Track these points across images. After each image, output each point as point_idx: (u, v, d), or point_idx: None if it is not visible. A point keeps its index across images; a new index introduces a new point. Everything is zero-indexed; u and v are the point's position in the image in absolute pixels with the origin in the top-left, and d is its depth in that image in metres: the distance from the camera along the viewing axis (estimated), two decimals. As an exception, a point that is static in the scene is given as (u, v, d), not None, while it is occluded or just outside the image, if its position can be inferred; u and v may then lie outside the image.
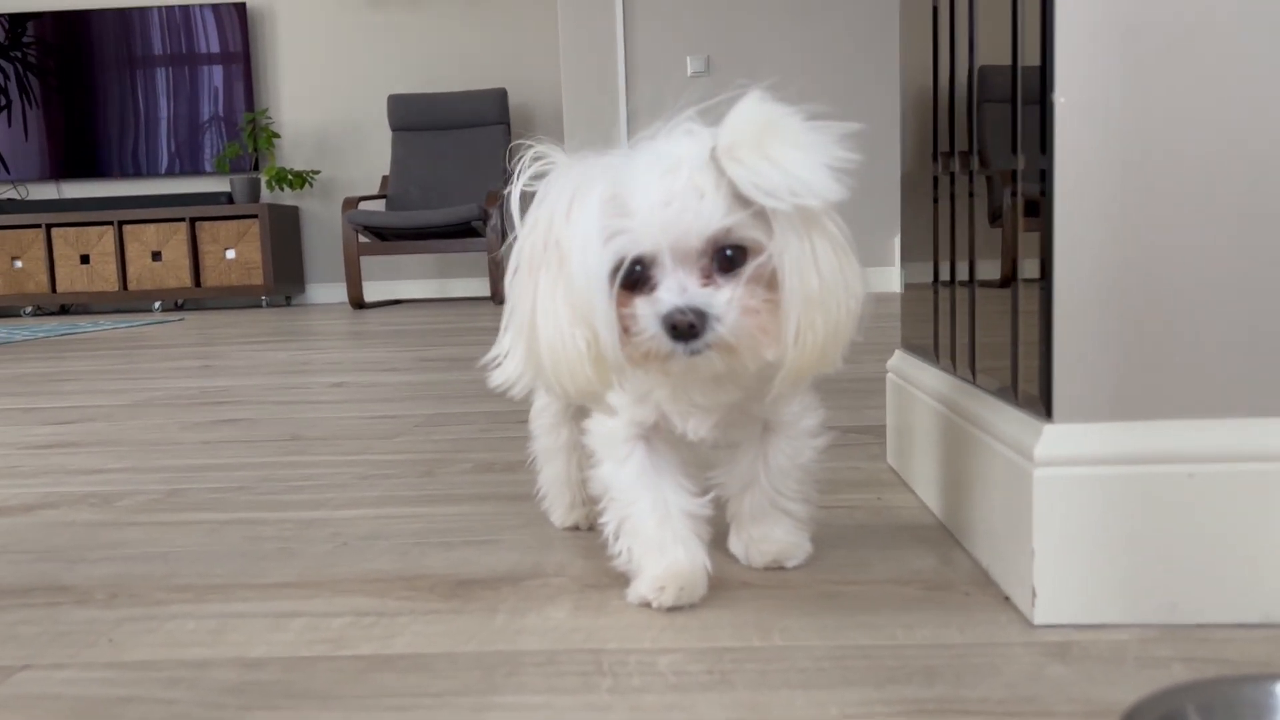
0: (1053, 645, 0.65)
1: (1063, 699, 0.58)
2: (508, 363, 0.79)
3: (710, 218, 0.59)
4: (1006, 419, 0.75)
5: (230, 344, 3.35)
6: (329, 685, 0.63)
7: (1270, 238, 0.65)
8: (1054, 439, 0.68)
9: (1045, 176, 0.67)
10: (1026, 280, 0.72)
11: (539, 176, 0.67)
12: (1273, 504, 0.65)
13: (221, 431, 1.60)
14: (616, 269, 0.60)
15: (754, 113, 0.59)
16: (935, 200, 1.00)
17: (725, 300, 0.61)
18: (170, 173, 6.10)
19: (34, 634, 0.74)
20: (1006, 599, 0.73)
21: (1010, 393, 0.76)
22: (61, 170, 6.09)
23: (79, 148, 6.09)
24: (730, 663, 0.64)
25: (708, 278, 0.62)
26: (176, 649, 0.70)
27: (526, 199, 0.69)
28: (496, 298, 5.09)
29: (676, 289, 0.61)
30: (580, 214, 0.60)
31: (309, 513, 1.06)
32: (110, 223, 5.71)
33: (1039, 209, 0.69)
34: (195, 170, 6.07)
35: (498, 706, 0.59)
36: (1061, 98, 0.65)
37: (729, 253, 0.61)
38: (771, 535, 0.82)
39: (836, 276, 0.62)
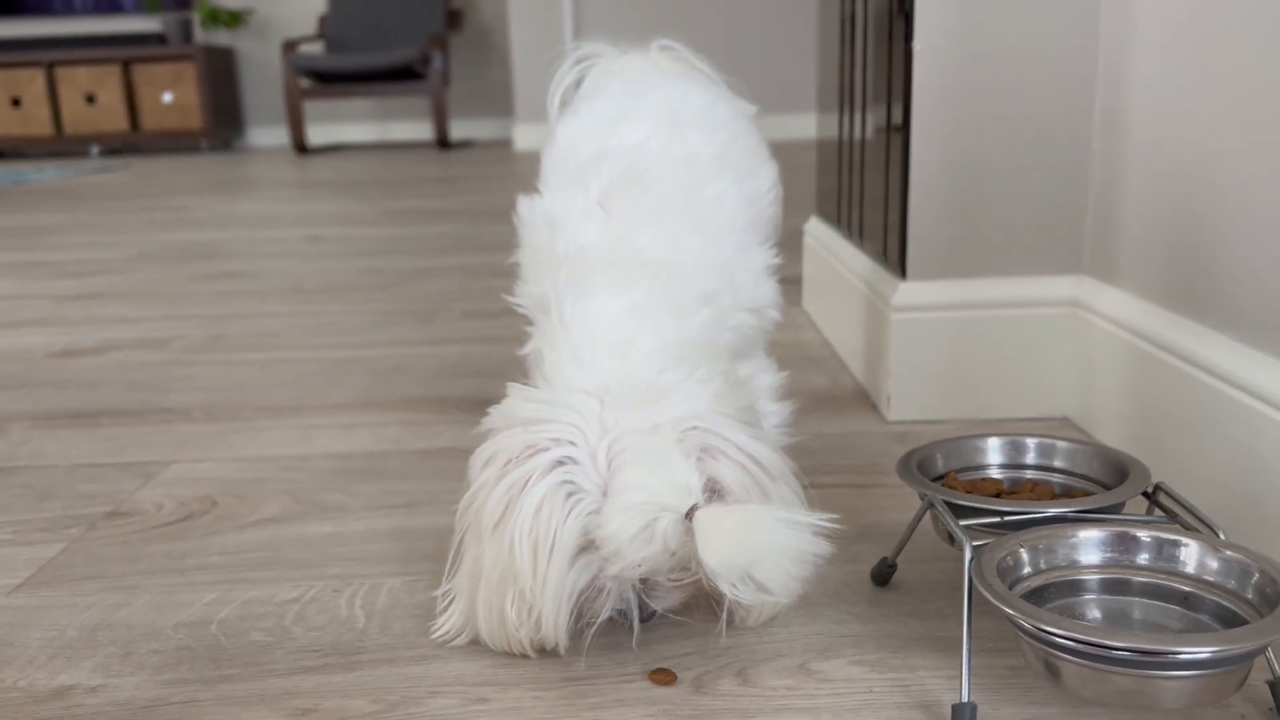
0: (897, 434, 0.95)
1: (898, 465, 0.88)
2: (454, 607, 0.65)
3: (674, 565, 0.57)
4: (878, 276, 1.03)
5: (188, 195, 3.48)
6: (400, 467, 0.91)
7: (1047, 147, 0.92)
8: (906, 292, 0.96)
9: (906, 98, 0.92)
10: (893, 183, 0.98)
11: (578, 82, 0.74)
12: (1049, 336, 0.95)
13: (228, 284, 1.82)
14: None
15: (737, 540, 0.52)
16: (841, 46, 1.22)
17: (666, 597, 0.60)
18: (99, 10, 5.93)
19: (164, 441, 1.00)
20: (873, 405, 1.03)
21: (882, 257, 1.04)
22: (-23, 6, 5.88)
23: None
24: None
25: None
26: (280, 448, 0.97)
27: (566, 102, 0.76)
28: (440, 142, 5.19)
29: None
30: (546, 552, 0.57)
31: (338, 352, 1.31)
32: (40, 64, 5.60)
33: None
34: (117, 8, 5.91)
35: (522, 478, 0.88)
36: (918, 45, 0.90)
37: None
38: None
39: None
